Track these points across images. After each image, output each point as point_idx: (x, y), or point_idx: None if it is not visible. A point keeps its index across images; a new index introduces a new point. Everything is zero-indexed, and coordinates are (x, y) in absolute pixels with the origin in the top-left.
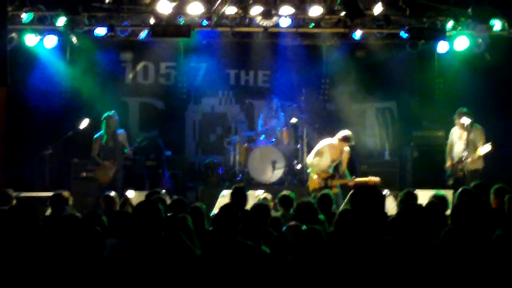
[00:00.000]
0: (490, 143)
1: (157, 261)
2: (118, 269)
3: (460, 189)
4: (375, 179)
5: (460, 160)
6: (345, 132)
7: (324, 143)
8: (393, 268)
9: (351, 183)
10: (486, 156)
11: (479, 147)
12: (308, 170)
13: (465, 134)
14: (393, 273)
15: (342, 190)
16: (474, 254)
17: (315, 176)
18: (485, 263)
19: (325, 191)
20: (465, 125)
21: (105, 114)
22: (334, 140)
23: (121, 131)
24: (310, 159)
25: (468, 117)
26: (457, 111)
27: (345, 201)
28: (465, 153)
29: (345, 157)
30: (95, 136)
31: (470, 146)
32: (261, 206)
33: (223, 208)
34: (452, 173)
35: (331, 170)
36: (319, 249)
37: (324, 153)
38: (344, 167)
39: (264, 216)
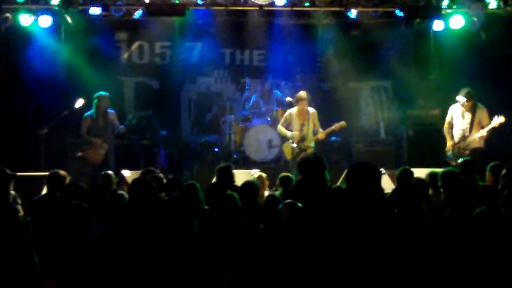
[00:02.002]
0: (502, 115)
1: (154, 238)
2: (113, 248)
3: (443, 171)
4: (341, 123)
5: (464, 138)
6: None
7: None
8: (390, 245)
9: (321, 136)
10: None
11: (485, 125)
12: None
13: (467, 113)
14: (390, 250)
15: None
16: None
17: (293, 145)
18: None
19: None
20: (462, 103)
21: (97, 94)
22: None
23: (111, 111)
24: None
25: (470, 97)
26: (461, 90)
27: (341, 178)
28: (468, 131)
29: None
30: (85, 114)
31: (475, 125)
32: (248, 184)
33: (210, 188)
34: (455, 154)
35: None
36: (316, 227)
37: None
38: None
39: (252, 194)
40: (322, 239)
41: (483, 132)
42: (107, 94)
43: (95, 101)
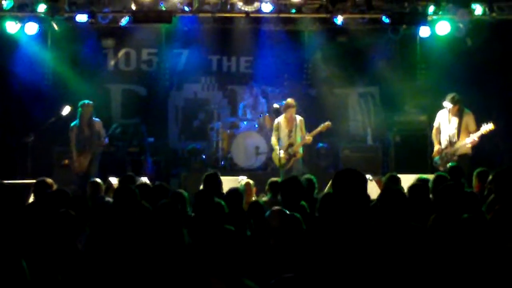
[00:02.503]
0: (491, 122)
1: (141, 247)
2: (99, 258)
3: (434, 175)
4: (327, 123)
5: (451, 144)
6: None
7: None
8: (377, 252)
9: (309, 140)
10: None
11: (473, 131)
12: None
13: (454, 118)
14: (377, 257)
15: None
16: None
17: (280, 152)
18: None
19: (307, 175)
20: (448, 109)
21: (81, 102)
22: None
23: (97, 120)
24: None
25: (456, 102)
26: (447, 96)
27: (328, 185)
28: (455, 137)
29: (300, 124)
30: (71, 125)
31: (463, 130)
32: (233, 191)
33: (197, 195)
34: (442, 158)
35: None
36: (302, 234)
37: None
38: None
39: (237, 201)
40: (310, 245)
41: (474, 138)
42: (91, 102)
43: (79, 110)
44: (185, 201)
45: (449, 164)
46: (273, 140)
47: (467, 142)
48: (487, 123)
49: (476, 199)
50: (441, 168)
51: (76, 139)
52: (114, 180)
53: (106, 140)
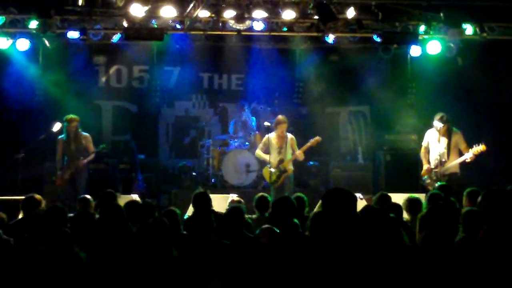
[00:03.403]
0: (482, 143)
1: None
2: (93, 272)
3: (429, 193)
4: (316, 138)
5: (441, 163)
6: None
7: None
8: (367, 270)
9: (300, 156)
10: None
11: (467, 148)
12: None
13: (443, 138)
14: (367, 276)
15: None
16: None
17: (271, 169)
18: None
19: (298, 194)
20: (438, 128)
21: (66, 117)
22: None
23: (85, 134)
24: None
25: (445, 122)
26: (436, 115)
27: (318, 204)
28: (445, 157)
29: (291, 142)
30: (58, 137)
31: (452, 150)
32: (236, 209)
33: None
34: (431, 178)
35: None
36: (292, 252)
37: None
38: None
39: (239, 219)
40: (300, 265)
41: (465, 159)
42: (76, 116)
43: (64, 124)
44: (177, 219)
45: (437, 183)
46: (257, 151)
47: (458, 162)
48: (478, 144)
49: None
50: (430, 187)
51: (63, 153)
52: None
53: (91, 155)
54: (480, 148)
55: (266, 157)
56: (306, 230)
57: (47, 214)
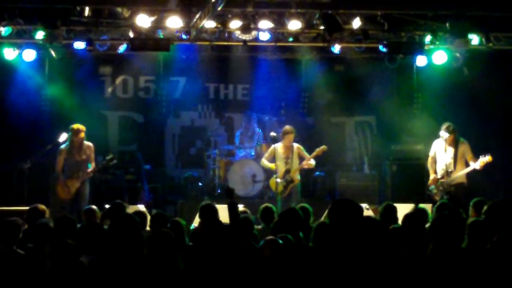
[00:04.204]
0: (489, 154)
1: (138, 276)
2: (97, 285)
3: (438, 203)
4: (323, 147)
5: (448, 174)
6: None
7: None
8: (374, 281)
9: (307, 165)
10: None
11: (473, 159)
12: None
13: (450, 148)
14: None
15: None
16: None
17: (277, 179)
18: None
19: (303, 204)
20: (445, 138)
21: (72, 126)
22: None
23: (89, 144)
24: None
25: (451, 132)
26: (443, 125)
27: (325, 214)
28: (452, 167)
29: (297, 151)
30: (61, 147)
31: (459, 160)
32: (245, 219)
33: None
34: (437, 187)
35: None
36: (296, 264)
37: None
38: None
39: (249, 229)
40: (305, 275)
41: (472, 169)
42: (83, 126)
43: (70, 133)
44: (182, 230)
45: (444, 194)
46: (263, 160)
47: (465, 172)
48: (485, 155)
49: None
50: (437, 198)
51: (65, 163)
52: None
53: (92, 168)
54: (486, 159)
55: (271, 165)
56: (310, 241)
57: (56, 225)
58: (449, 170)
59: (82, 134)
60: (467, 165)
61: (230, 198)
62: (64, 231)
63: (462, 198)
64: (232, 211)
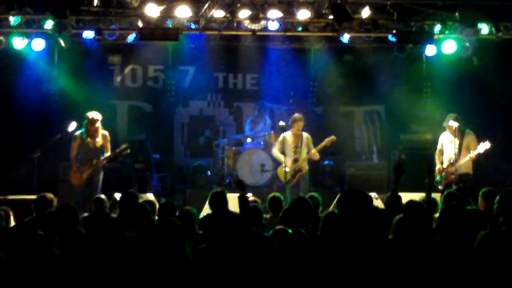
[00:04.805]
0: (488, 141)
1: (151, 264)
2: (109, 273)
3: (445, 192)
4: (331, 138)
5: (451, 164)
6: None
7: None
8: (385, 270)
9: (315, 155)
10: (475, 160)
11: (473, 149)
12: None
13: (455, 139)
14: (385, 276)
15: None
16: (461, 256)
17: (286, 168)
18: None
19: (312, 194)
20: (454, 128)
21: (88, 114)
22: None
23: (105, 132)
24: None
25: (456, 123)
26: (447, 117)
27: (333, 203)
28: (455, 157)
29: (306, 141)
30: (75, 133)
31: (463, 151)
32: (255, 209)
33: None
34: (443, 178)
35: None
36: (306, 253)
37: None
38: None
39: (258, 219)
40: (314, 265)
41: (471, 156)
42: (99, 115)
43: (85, 121)
44: (192, 218)
45: (454, 186)
46: (274, 150)
47: (466, 161)
48: (484, 142)
49: (481, 218)
50: (440, 187)
51: (79, 150)
52: (119, 197)
53: (109, 155)
54: (486, 146)
55: (282, 157)
56: (318, 230)
57: (57, 214)
58: (453, 161)
59: (98, 123)
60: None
61: (242, 191)
62: (66, 219)
63: (468, 188)
64: (243, 205)
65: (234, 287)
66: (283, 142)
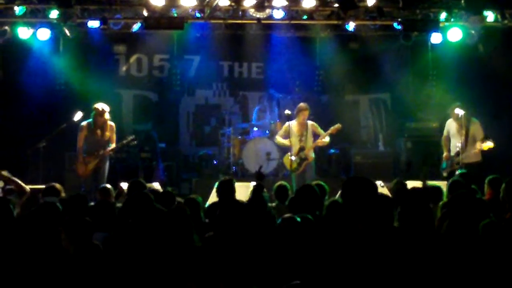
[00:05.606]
0: (491, 140)
1: (156, 252)
2: (113, 261)
3: (450, 181)
4: (337, 126)
5: (458, 154)
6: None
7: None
8: (390, 259)
9: (321, 142)
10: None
11: (479, 141)
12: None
13: (461, 128)
14: (390, 265)
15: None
16: (467, 244)
17: (292, 157)
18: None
19: (318, 181)
20: (459, 116)
21: (96, 106)
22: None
23: (111, 123)
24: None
25: (461, 112)
26: (452, 106)
27: (339, 191)
28: (462, 147)
29: (312, 128)
30: (82, 123)
31: (470, 140)
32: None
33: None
34: (448, 165)
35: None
36: (314, 241)
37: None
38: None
39: (262, 208)
40: (317, 252)
41: (475, 150)
42: (107, 106)
43: (93, 113)
44: (198, 207)
45: (458, 171)
46: (277, 137)
47: (471, 152)
48: (488, 141)
49: (487, 206)
50: (445, 174)
51: (86, 141)
52: (125, 186)
53: (115, 146)
54: (489, 144)
55: (285, 142)
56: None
57: (69, 202)
58: (460, 150)
59: (107, 115)
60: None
61: (260, 181)
62: (76, 208)
63: (475, 175)
64: (256, 192)
65: (241, 275)
66: (288, 130)
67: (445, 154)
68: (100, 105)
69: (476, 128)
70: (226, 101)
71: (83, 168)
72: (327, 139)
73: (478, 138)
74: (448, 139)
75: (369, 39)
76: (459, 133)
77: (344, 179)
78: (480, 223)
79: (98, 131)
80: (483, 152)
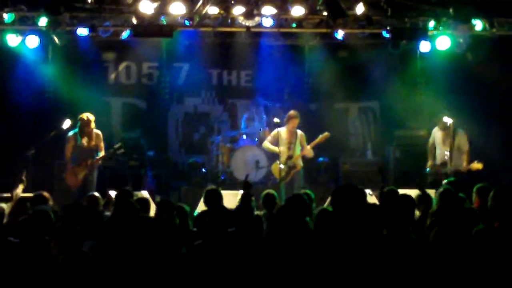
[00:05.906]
0: (480, 162)
1: (141, 260)
2: (100, 270)
3: (441, 189)
4: (325, 134)
5: (444, 164)
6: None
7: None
8: (380, 267)
9: (309, 153)
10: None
11: (465, 153)
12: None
13: (447, 138)
14: (380, 273)
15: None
16: (455, 252)
17: (280, 165)
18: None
19: (305, 190)
20: (448, 125)
21: (81, 116)
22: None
23: (97, 132)
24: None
25: (448, 123)
26: (439, 115)
27: (328, 200)
28: (448, 158)
29: (301, 138)
30: (69, 134)
31: (455, 150)
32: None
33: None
34: (432, 173)
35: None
36: (304, 248)
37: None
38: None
39: (249, 216)
40: (311, 262)
41: (463, 168)
42: (93, 116)
43: (79, 122)
44: (186, 215)
45: (444, 181)
46: (265, 143)
47: (458, 162)
48: (477, 162)
49: (476, 215)
50: (429, 181)
51: (74, 151)
52: (113, 194)
53: (103, 154)
54: (478, 166)
55: (274, 148)
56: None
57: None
58: (445, 161)
59: (93, 124)
60: (462, 155)
61: (247, 190)
62: (71, 218)
63: (464, 183)
64: (245, 200)
65: (229, 283)
66: (277, 137)
67: (429, 162)
68: (85, 115)
69: (462, 138)
70: (215, 109)
71: (73, 178)
72: (311, 152)
73: (463, 149)
74: (434, 146)
75: (358, 47)
76: (444, 143)
77: (333, 187)
78: (473, 230)
79: (85, 141)
80: (469, 158)
